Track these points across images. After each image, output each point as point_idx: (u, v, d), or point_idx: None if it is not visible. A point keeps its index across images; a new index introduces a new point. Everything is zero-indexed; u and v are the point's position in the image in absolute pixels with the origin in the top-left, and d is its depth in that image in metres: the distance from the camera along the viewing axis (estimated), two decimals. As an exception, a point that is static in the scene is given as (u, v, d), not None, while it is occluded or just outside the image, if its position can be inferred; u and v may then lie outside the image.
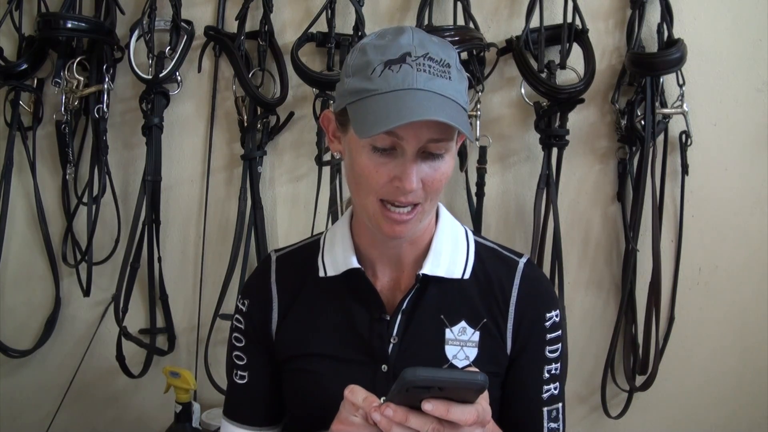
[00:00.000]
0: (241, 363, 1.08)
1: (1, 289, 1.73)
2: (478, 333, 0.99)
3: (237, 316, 1.09)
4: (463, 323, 1.00)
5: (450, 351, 0.99)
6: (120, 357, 1.64)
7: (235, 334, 1.09)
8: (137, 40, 1.57)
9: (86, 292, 1.65)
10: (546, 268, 1.51)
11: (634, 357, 1.54)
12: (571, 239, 1.56)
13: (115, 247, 1.66)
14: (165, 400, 1.57)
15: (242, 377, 1.08)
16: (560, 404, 1.04)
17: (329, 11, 1.52)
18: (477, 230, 1.52)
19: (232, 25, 1.58)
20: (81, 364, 1.70)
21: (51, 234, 1.68)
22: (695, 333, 1.55)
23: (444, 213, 1.05)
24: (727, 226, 1.52)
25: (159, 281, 1.66)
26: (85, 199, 1.62)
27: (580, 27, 1.47)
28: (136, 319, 1.68)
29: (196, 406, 1.57)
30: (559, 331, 1.03)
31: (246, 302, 1.08)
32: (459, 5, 1.51)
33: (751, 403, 1.56)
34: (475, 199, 1.53)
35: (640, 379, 1.52)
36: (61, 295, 1.71)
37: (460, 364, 0.98)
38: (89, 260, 1.62)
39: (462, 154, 1.49)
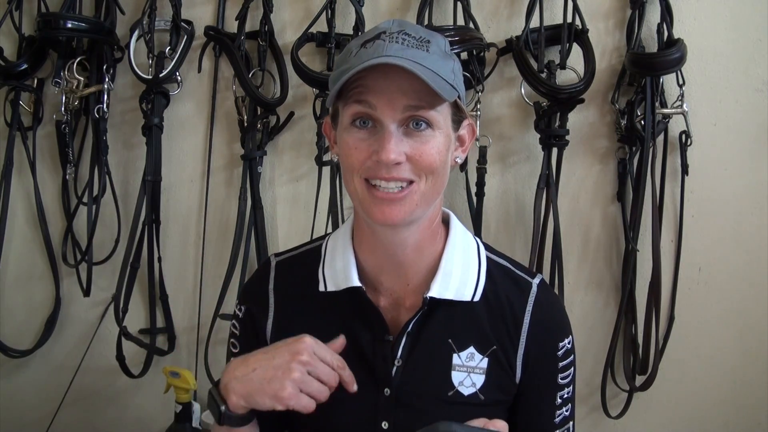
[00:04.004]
0: None
1: (1, 289, 1.73)
2: (486, 360, 0.96)
3: (234, 321, 1.07)
4: (471, 349, 0.96)
5: (456, 377, 0.96)
6: (120, 357, 1.64)
7: (232, 340, 1.07)
8: (137, 40, 1.57)
9: (86, 292, 1.65)
10: (546, 268, 1.51)
11: (634, 357, 1.54)
12: (571, 239, 1.55)
13: (115, 247, 1.66)
14: (165, 400, 1.57)
15: None
16: (571, 423, 1.02)
17: (329, 11, 1.52)
18: (477, 230, 1.51)
19: (232, 25, 1.58)
20: (81, 364, 1.70)
21: (51, 234, 1.68)
22: (695, 333, 1.55)
23: (455, 225, 1.01)
24: (727, 226, 1.52)
25: (159, 281, 1.66)
26: (85, 199, 1.62)
27: (580, 27, 1.46)
28: (136, 319, 1.68)
29: (196, 406, 1.57)
30: (572, 357, 1.00)
31: (243, 308, 1.06)
32: (459, 5, 1.51)
33: (751, 403, 1.55)
34: (475, 199, 1.53)
35: (640, 379, 1.52)
36: (61, 295, 1.71)
37: (466, 391, 0.96)
38: (89, 260, 1.62)
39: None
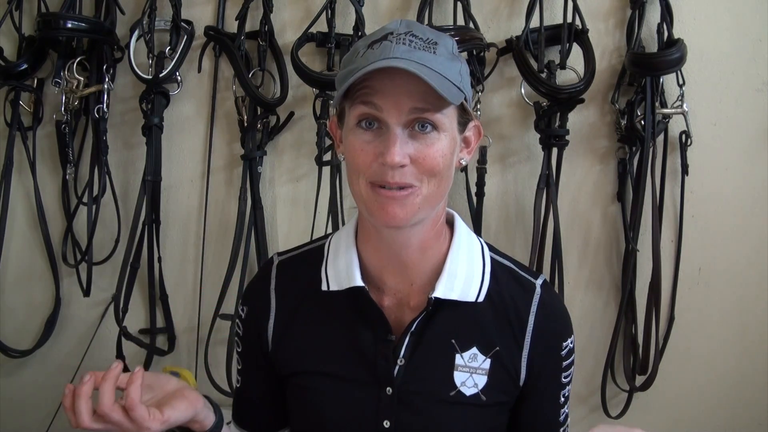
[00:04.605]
0: (239, 367, 1.08)
1: (1, 289, 1.73)
2: (489, 361, 0.96)
3: (237, 320, 1.08)
4: (474, 349, 0.96)
5: (459, 377, 0.96)
6: (120, 357, 1.64)
7: (236, 338, 1.08)
8: (137, 40, 1.57)
9: (86, 292, 1.65)
10: (546, 268, 1.51)
11: (634, 357, 1.54)
12: (571, 239, 1.55)
13: (115, 247, 1.66)
14: (165, 400, 1.57)
15: (238, 380, 1.09)
16: (569, 419, 1.04)
17: (329, 11, 1.52)
18: (477, 230, 1.52)
19: (232, 25, 1.58)
20: (81, 364, 1.70)
21: (51, 234, 1.67)
22: (695, 333, 1.55)
23: (460, 226, 1.00)
24: (727, 226, 1.52)
25: (159, 281, 1.65)
26: (85, 199, 1.62)
27: (580, 27, 1.47)
28: (136, 319, 1.68)
29: (196, 406, 1.57)
30: (573, 356, 1.01)
31: (245, 308, 1.06)
32: (459, 5, 1.51)
33: (751, 403, 1.56)
34: (475, 199, 1.53)
35: (640, 379, 1.52)
36: (61, 295, 1.71)
37: (468, 391, 0.96)
38: (89, 260, 1.62)
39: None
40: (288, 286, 1.04)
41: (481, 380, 0.96)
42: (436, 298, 0.94)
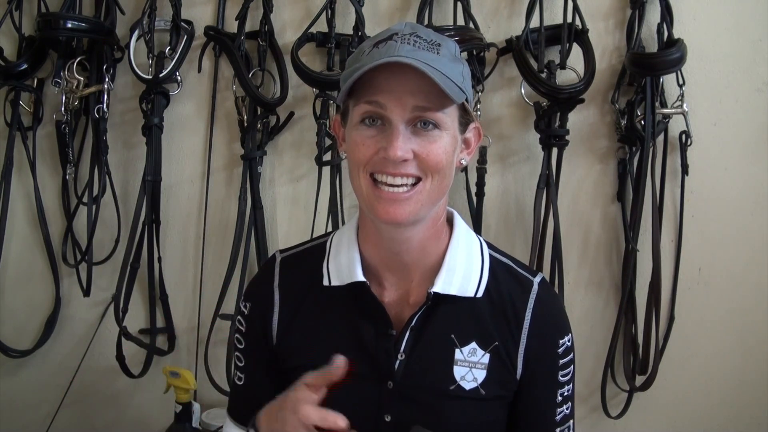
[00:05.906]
0: (240, 364, 1.08)
1: (1, 289, 1.73)
2: (488, 355, 0.97)
3: (239, 317, 1.08)
4: (473, 344, 0.97)
5: (458, 372, 0.97)
6: (120, 357, 1.64)
7: (237, 336, 1.08)
8: (137, 40, 1.57)
9: (86, 292, 1.65)
10: (546, 268, 1.51)
11: (634, 357, 1.54)
12: (571, 239, 1.55)
13: (115, 247, 1.66)
14: (165, 400, 1.57)
15: (240, 378, 1.09)
16: (571, 421, 1.03)
17: (329, 11, 1.52)
18: (477, 230, 1.52)
19: (232, 25, 1.58)
20: (81, 364, 1.70)
21: (51, 234, 1.68)
22: (695, 333, 1.55)
23: (459, 223, 1.02)
24: (727, 226, 1.52)
25: (159, 281, 1.66)
26: (85, 199, 1.63)
27: (580, 27, 1.47)
28: (136, 319, 1.68)
29: (196, 406, 1.57)
30: (571, 355, 1.01)
31: (248, 305, 1.07)
32: (459, 5, 1.51)
33: (752, 402, 1.55)
34: (475, 199, 1.53)
35: (640, 379, 1.52)
36: (61, 295, 1.71)
37: (467, 386, 0.96)
38: (89, 260, 1.62)
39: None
40: (291, 282, 1.05)
41: (480, 375, 0.97)
42: (435, 292, 0.95)
